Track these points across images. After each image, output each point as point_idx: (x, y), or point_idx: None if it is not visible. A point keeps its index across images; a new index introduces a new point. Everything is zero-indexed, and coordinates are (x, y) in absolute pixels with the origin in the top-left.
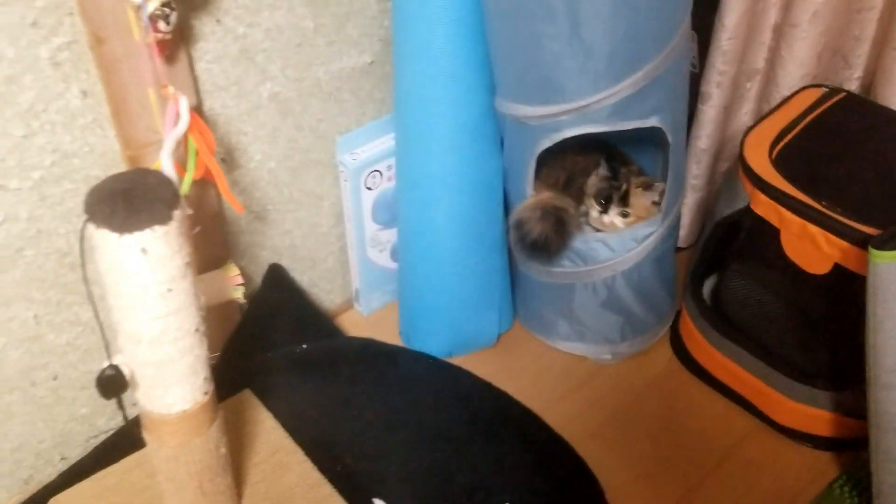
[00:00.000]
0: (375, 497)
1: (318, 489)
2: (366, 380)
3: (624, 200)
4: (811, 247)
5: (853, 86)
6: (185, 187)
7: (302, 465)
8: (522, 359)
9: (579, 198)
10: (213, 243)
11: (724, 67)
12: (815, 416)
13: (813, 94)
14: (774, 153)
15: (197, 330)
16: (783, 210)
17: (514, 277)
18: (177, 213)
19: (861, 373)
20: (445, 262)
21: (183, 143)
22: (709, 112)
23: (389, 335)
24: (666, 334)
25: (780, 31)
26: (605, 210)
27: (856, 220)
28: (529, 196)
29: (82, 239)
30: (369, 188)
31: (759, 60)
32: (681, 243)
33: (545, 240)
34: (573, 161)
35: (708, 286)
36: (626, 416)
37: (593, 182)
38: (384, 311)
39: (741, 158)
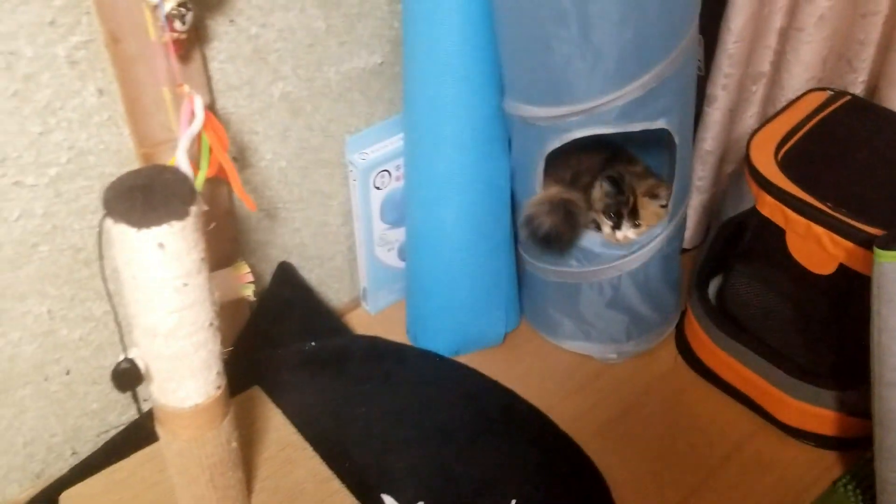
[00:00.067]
0: (383, 493)
1: (327, 485)
2: (374, 377)
3: (634, 213)
4: (816, 247)
5: (858, 89)
6: (198, 185)
7: (311, 460)
8: (529, 358)
9: (586, 193)
10: (224, 241)
11: (730, 70)
12: (820, 416)
13: (818, 98)
14: (780, 155)
15: (211, 324)
16: (788, 211)
17: (520, 277)
18: (193, 209)
19: (865, 372)
20: (453, 261)
21: (196, 141)
22: (714, 114)
23: (396, 334)
24: (671, 334)
25: (785, 35)
26: (617, 226)
27: (860, 221)
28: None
29: (100, 233)
30: (378, 188)
31: (765, 64)
32: (686, 244)
33: (557, 232)
34: (578, 160)
35: (713, 286)
36: (632, 414)
37: (598, 197)
38: (391, 310)
39: (747, 160)
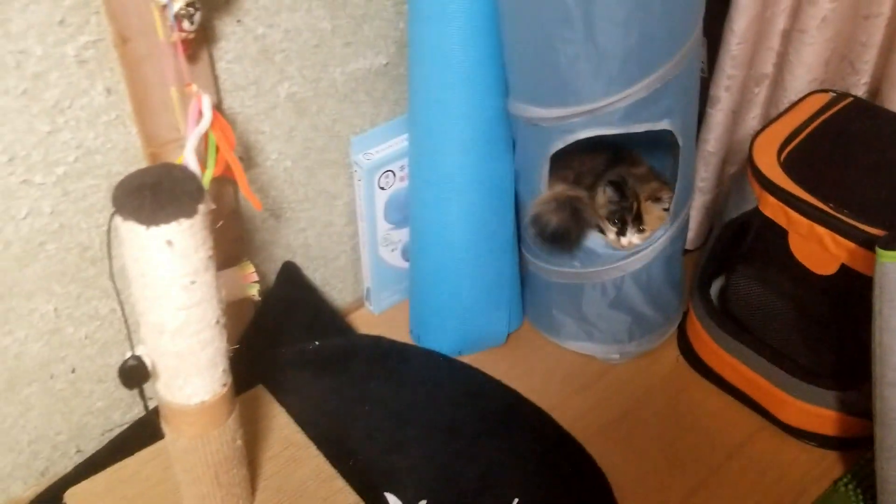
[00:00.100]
0: (387, 491)
1: (331, 483)
2: (377, 376)
3: (638, 219)
4: (818, 248)
5: (860, 91)
6: (204, 183)
7: (315, 459)
8: (531, 358)
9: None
10: (229, 241)
11: (733, 72)
12: (821, 416)
13: (821, 99)
14: (783, 156)
15: (217, 322)
16: (791, 211)
17: (523, 277)
18: (201, 207)
19: (866, 372)
20: (457, 261)
21: (203, 140)
22: (717, 116)
23: (400, 334)
24: (673, 334)
25: (788, 37)
26: (621, 232)
27: (862, 222)
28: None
29: (109, 231)
30: (382, 188)
31: (768, 65)
32: (688, 245)
33: (564, 229)
34: (581, 161)
35: (715, 287)
36: (634, 414)
37: (602, 203)
38: (394, 310)
39: (750, 161)
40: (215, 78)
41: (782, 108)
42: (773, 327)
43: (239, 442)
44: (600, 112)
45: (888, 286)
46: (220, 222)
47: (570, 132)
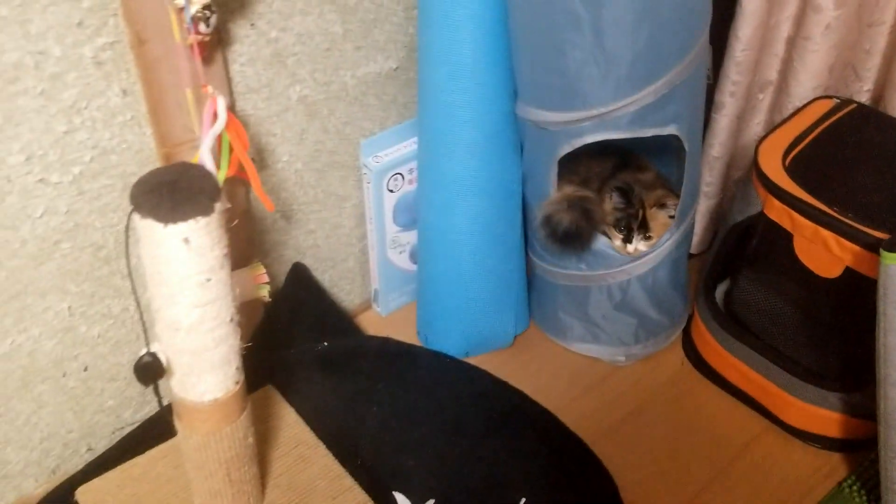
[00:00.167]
0: (395, 490)
1: (340, 482)
2: (385, 377)
3: (643, 225)
4: (823, 251)
5: (863, 98)
6: None
7: (323, 458)
8: (538, 360)
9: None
10: (240, 242)
11: (738, 78)
12: (825, 417)
13: (824, 105)
14: (788, 161)
15: (231, 320)
16: (796, 215)
17: (529, 280)
18: (218, 206)
19: (870, 374)
20: (464, 263)
21: (217, 141)
22: (722, 121)
23: (407, 336)
24: (678, 337)
25: (792, 44)
26: (627, 239)
27: (866, 225)
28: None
29: (127, 228)
30: (391, 190)
31: (772, 72)
32: (692, 250)
33: (576, 228)
34: (587, 166)
35: (720, 290)
36: (639, 416)
37: (608, 209)
38: (401, 313)
39: (755, 165)
40: (229, 80)
41: (786, 114)
42: (778, 330)
43: (250, 439)
44: (608, 116)
45: (892, 288)
46: (236, 221)
47: (578, 136)
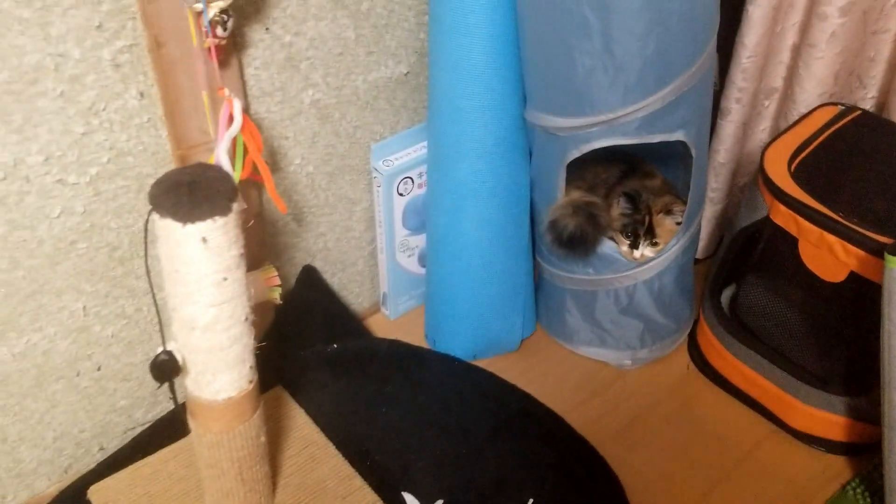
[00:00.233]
0: (404, 490)
1: (349, 482)
2: (394, 379)
3: (650, 232)
4: (828, 255)
5: (867, 105)
6: None
7: (333, 458)
8: (544, 363)
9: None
10: (252, 244)
11: (744, 85)
12: (830, 421)
13: (829, 112)
14: (793, 166)
15: (246, 319)
16: (801, 220)
17: (537, 284)
18: (235, 206)
19: (875, 378)
20: (473, 267)
21: (232, 143)
22: (728, 127)
23: (415, 339)
24: (684, 341)
25: (798, 51)
26: (634, 245)
27: (871, 230)
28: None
29: (146, 227)
30: (401, 194)
31: (778, 79)
32: (698, 255)
33: (581, 233)
34: (595, 172)
35: (726, 295)
36: (645, 419)
37: (615, 215)
38: (410, 316)
39: (761, 171)
40: (244, 83)
41: (791, 120)
42: (783, 334)
43: (263, 438)
44: (616, 122)
45: None
46: (251, 221)
47: (587, 141)
